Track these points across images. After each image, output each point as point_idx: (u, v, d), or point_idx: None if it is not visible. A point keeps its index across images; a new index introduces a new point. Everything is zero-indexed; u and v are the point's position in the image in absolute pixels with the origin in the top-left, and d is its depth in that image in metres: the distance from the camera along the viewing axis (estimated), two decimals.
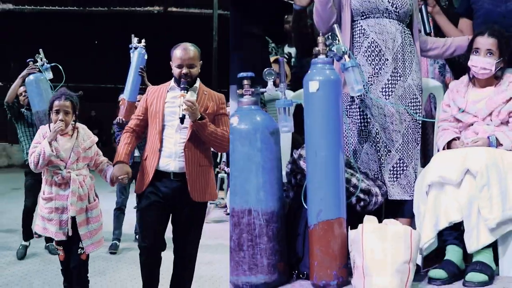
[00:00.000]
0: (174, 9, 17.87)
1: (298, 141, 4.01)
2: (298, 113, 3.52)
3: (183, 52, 3.54)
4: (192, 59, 3.55)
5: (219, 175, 9.52)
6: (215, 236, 6.72)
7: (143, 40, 5.08)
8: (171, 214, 3.63)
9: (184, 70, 3.50)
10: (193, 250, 3.66)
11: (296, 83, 4.31)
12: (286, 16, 4.99)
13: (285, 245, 3.33)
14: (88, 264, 3.73)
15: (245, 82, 3.35)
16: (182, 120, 3.34)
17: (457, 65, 4.17)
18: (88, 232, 3.57)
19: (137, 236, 5.83)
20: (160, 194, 3.52)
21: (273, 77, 3.33)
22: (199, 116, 3.40)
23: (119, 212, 6.14)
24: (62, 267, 3.74)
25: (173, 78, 3.64)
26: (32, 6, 17.63)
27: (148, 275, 3.69)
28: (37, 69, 5.22)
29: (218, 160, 9.72)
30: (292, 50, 5.04)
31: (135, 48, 5.09)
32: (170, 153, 3.49)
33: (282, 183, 3.43)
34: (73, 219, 3.52)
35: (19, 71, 5.38)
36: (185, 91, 3.44)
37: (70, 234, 3.51)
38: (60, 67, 5.28)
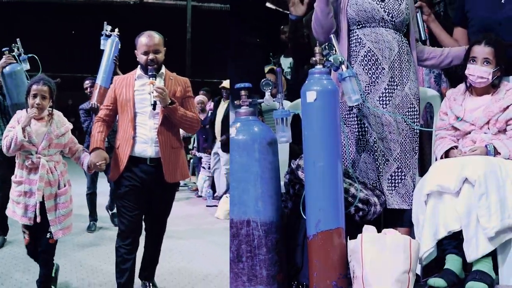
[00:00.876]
0: (150, 0, 18.22)
1: (295, 151, 4.01)
2: (296, 123, 3.51)
3: (148, 39, 3.64)
4: (157, 45, 3.66)
5: (191, 160, 9.90)
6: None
7: (116, 29, 5.02)
8: (147, 197, 3.74)
9: (151, 56, 3.60)
10: (162, 227, 3.82)
11: (292, 94, 4.30)
12: (282, 27, 5.00)
13: (284, 255, 3.32)
14: (55, 248, 3.79)
15: (243, 92, 3.35)
16: (154, 106, 3.42)
17: (453, 75, 4.18)
18: (57, 218, 3.61)
19: (112, 215, 6.22)
20: (137, 179, 3.61)
21: (270, 88, 3.33)
22: (169, 101, 3.49)
23: (92, 195, 6.29)
24: (28, 251, 3.79)
25: (138, 66, 3.74)
26: None
27: (122, 260, 3.70)
28: (14, 59, 5.04)
29: (190, 146, 10.05)
30: (288, 61, 5.04)
31: (107, 36, 5.02)
32: (146, 139, 3.59)
33: (281, 194, 3.43)
34: (42, 204, 3.56)
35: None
36: (154, 78, 3.52)
37: (38, 220, 3.54)
38: (37, 58, 5.22)
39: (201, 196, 8.93)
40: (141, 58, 3.64)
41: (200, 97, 9.31)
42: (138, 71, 3.72)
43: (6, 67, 4.95)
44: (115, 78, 3.88)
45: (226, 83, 7.78)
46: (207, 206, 8.22)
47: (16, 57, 5.08)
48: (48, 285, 3.80)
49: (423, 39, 3.90)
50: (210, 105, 9.22)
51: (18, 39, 5.20)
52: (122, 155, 3.60)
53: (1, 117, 5.45)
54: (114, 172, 3.67)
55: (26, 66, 5.14)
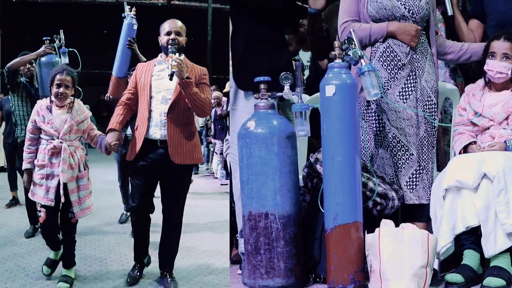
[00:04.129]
0: (176, 2, 18.99)
1: (314, 145, 4.01)
2: (314, 117, 3.53)
3: (171, 22, 3.75)
4: (180, 28, 3.74)
5: (210, 146, 10.81)
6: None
7: (133, 9, 4.73)
8: (158, 180, 3.84)
9: (172, 36, 3.67)
10: (178, 212, 3.82)
11: (311, 88, 4.30)
12: (301, 20, 4.98)
13: (302, 249, 3.34)
14: (76, 226, 3.96)
15: (262, 86, 3.37)
16: (171, 76, 3.44)
17: (469, 70, 4.17)
18: (78, 199, 3.79)
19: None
20: (147, 159, 3.71)
21: (289, 81, 3.34)
22: (186, 75, 3.54)
23: (124, 185, 6.16)
24: (43, 230, 3.92)
25: (159, 54, 3.82)
26: None
27: (137, 234, 4.00)
28: (53, 50, 4.97)
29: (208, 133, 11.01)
30: (308, 55, 5.03)
31: (127, 17, 4.69)
32: (156, 122, 3.68)
33: (299, 187, 3.44)
34: (65, 186, 3.73)
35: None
36: (173, 54, 3.57)
37: (62, 200, 3.73)
38: (77, 52, 5.16)
39: (216, 178, 10.10)
40: (163, 39, 3.72)
41: (216, 93, 9.81)
42: (159, 57, 3.80)
43: (44, 56, 4.91)
44: (138, 65, 3.95)
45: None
46: (221, 184, 9.43)
47: (56, 49, 5.00)
48: (71, 262, 3.96)
49: (450, 14, 3.98)
50: (224, 101, 9.66)
51: (61, 31, 5.10)
52: (139, 136, 3.72)
53: (22, 106, 5.35)
54: (130, 152, 3.80)
55: (65, 59, 5.02)
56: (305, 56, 5.07)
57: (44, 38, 4.95)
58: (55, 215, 3.84)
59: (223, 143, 9.19)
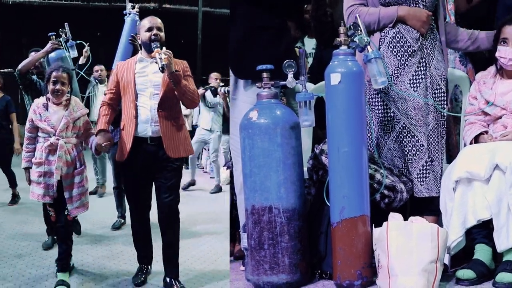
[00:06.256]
0: (167, 5, 19.58)
1: (319, 135, 3.93)
2: (319, 107, 3.43)
3: (151, 18, 3.78)
4: (160, 24, 3.76)
5: None
6: None
7: (136, 6, 4.84)
8: (153, 178, 3.81)
9: (154, 31, 3.67)
10: (174, 207, 3.76)
11: (316, 76, 4.20)
12: (305, 6, 4.88)
13: (307, 243, 3.26)
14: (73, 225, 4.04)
15: (265, 74, 3.26)
16: (163, 69, 3.45)
17: (478, 56, 4.05)
18: (73, 197, 3.80)
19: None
20: (140, 161, 3.71)
21: (293, 70, 3.24)
22: (175, 69, 3.55)
23: (118, 189, 6.04)
24: (56, 229, 3.95)
25: (139, 52, 3.86)
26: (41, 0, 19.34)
27: (137, 234, 3.97)
28: (60, 45, 4.88)
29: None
30: (313, 42, 4.92)
31: (129, 14, 4.80)
32: (146, 119, 3.66)
33: (304, 180, 3.35)
34: (59, 183, 3.75)
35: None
36: (159, 48, 3.56)
37: (55, 196, 3.75)
38: (86, 44, 5.07)
39: (206, 172, 10.54)
40: (145, 35, 3.70)
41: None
42: (139, 55, 3.81)
43: (51, 52, 4.83)
44: (117, 64, 3.96)
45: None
46: (210, 177, 9.62)
47: (63, 43, 4.92)
48: (68, 262, 3.94)
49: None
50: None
51: (66, 24, 5.03)
52: (127, 135, 3.71)
53: None
54: (120, 152, 3.78)
55: (74, 53, 4.99)
56: (310, 44, 4.96)
57: (50, 33, 4.87)
58: (63, 212, 3.82)
59: None
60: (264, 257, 3.16)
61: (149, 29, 3.69)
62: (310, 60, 4.86)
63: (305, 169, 3.44)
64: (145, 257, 4.01)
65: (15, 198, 7.10)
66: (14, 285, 3.88)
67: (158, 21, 3.76)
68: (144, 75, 3.70)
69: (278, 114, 3.21)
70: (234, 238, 4.11)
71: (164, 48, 3.55)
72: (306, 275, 3.23)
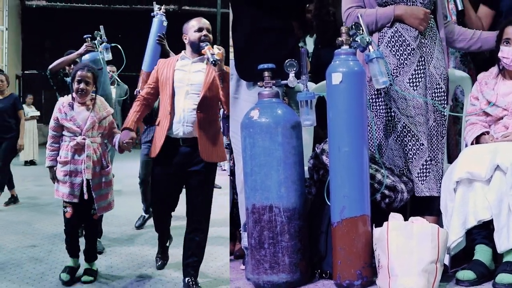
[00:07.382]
0: (187, 7, 19.78)
1: (320, 135, 3.92)
2: (320, 106, 3.42)
3: (199, 19, 3.71)
4: (209, 25, 3.72)
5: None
6: None
7: (162, 7, 4.82)
8: (183, 181, 3.79)
9: (204, 32, 3.64)
10: (205, 210, 3.69)
11: (317, 75, 4.19)
12: (307, 5, 4.87)
13: (308, 243, 3.25)
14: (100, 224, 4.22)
15: (266, 74, 3.26)
16: (215, 63, 3.42)
17: (478, 56, 4.04)
18: (100, 196, 3.83)
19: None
20: (172, 163, 3.65)
21: (294, 69, 3.23)
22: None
23: (143, 185, 6.00)
24: (68, 226, 3.91)
25: (182, 51, 3.79)
26: (63, 3, 19.55)
27: (160, 228, 4.14)
28: (95, 47, 4.84)
29: None
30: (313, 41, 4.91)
31: (156, 15, 4.77)
32: (179, 118, 3.61)
33: (304, 179, 3.34)
34: (88, 182, 3.77)
35: (53, 60, 4.94)
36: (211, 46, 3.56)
37: (86, 197, 3.75)
38: (120, 48, 5.07)
39: (224, 170, 10.46)
40: (194, 35, 3.65)
41: None
42: (182, 53, 3.76)
43: (85, 54, 4.79)
44: (159, 61, 3.90)
45: None
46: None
47: (98, 46, 4.88)
48: (94, 258, 4.02)
49: (460, 8, 3.81)
50: None
51: (101, 26, 4.98)
52: (161, 131, 3.66)
53: None
54: (153, 148, 3.74)
55: (108, 55, 4.94)
56: (312, 43, 4.94)
57: (85, 36, 4.84)
58: (80, 211, 3.85)
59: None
60: (264, 256, 3.16)
61: (199, 30, 3.64)
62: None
63: (305, 168, 3.42)
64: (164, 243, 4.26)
65: (13, 199, 7.03)
66: (17, 279, 3.92)
67: (207, 22, 3.73)
68: (183, 73, 3.65)
69: (279, 113, 3.20)
70: (235, 237, 4.10)
71: (215, 47, 3.53)
72: (306, 274, 3.22)
